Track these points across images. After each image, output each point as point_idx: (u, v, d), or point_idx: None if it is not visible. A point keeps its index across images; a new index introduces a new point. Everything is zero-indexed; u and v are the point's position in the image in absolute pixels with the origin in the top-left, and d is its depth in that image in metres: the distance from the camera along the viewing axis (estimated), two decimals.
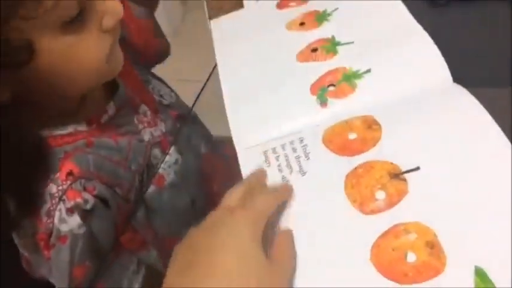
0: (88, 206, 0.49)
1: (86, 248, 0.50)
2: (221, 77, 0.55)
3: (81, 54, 0.46)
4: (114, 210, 0.52)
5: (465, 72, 0.46)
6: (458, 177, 0.39)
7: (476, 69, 0.49)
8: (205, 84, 0.60)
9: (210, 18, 0.65)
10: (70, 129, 0.52)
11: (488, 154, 0.39)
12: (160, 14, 0.67)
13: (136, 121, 0.59)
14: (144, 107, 0.61)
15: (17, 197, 0.48)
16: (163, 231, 0.58)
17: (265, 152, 0.45)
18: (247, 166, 0.45)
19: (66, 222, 0.48)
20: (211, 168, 0.67)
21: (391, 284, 0.35)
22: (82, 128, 0.53)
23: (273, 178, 0.42)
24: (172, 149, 0.60)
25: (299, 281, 0.36)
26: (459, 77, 0.46)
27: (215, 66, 0.57)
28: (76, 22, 0.44)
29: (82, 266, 0.50)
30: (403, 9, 0.53)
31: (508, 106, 0.44)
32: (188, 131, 0.65)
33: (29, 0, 0.40)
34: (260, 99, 0.51)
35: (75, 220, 0.49)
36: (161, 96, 0.66)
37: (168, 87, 0.69)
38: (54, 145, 0.50)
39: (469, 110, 0.42)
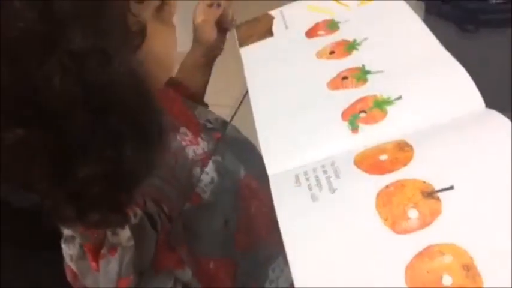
0: (136, 220, 0.49)
1: (132, 261, 0.50)
2: (252, 103, 0.56)
3: (169, 42, 0.48)
4: (158, 228, 0.52)
5: (496, 97, 0.45)
6: (494, 198, 0.37)
7: (507, 95, 0.48)
8: (238, 107, 0.61)
9: (240, 45, 0.67)
10: None
11: None
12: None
13: (179, 138, 0.60)
14: (184, 129, 0.62)
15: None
16: (198, 250, 0.58)
17: (296, 176, 0.45)
18: (278, 189, 0.45)
19: (118, 234, 0.49)
20: (249, 191, 0.67)
21: None
22: None
23: (303, 197, 0.42)
24: (210, 168, 0.60)
25: None
26: (490, 102, 0.45)
27: (246, 92, 0.58)
28: (161, 11, 0.46)
29: (127, 278, 0.51)
30: (431, 36, 0.54)
31: None
32: (229, 153, 0.66)
33: None
34: (291, 126, 0.52)
35: (126, 233, 0.49)
36: (207, 120, 0.67)
37: (215, 114, 0.71)
38: None
39: (502, 131, 0.41)
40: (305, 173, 0.45)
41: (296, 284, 0.36)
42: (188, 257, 0.56)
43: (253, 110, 0.55)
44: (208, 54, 0.75)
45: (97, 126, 0.37)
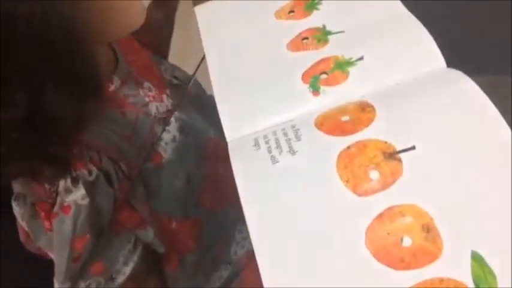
0: (91, 178, 0.47)
1: (88, 220, 0.49)
2: (209, 66, 0.54)
3: None
4: (115, 186, 0.50)
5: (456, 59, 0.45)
6: (455, 159, 0.37)
7: (468, 58, 0.48)
8: (196, 70, 0.58)
9: (194, 4, 0.64)
10: None
11: (486, 135, 0.37)
12: None
13: (142, 93, 0.57)
14: (148, 84, 0.60)
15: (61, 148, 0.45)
16: (160, 209, 0.57)
17: (255, 139, 0.44)
18: (236, 153, 0.43)
19: (71, 191, 0.47)
20: (218, 152, 0.65)
21: (387, 269, 0.33)
22: None
23: (262, 159, 0.40)
24: (172, 126, 0.58)
25: (288, 264, 0.34)
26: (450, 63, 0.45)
27: (203, 57, 0.56)
28: None
29: (83, 237, 0.49)
30: None
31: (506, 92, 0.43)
32: (197, 113, 0.64)
33: None
34: (249, 90, 0.50)
35: (80, 190, 0.47)
36: (174, 77, 0.65)
37: (183, 71, 0.69)
38: None
39: (466, 91, 0.40)
40: (265, 136, 0.43)
41: (255, 246, 0.35)
42: (150, 217, 0.55)
43: (210, 73, 0.53)
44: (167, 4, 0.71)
45: (5, 60, 0.34)
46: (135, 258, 0.54)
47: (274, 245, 0.35)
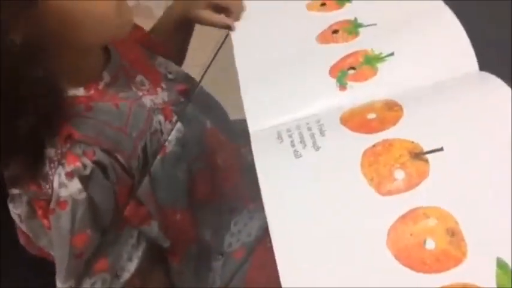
0: (86, 172, 0.47)
1: (87, 215, 0.48)
2: (236, 57, 0.53)
3: None
4: (113, 179, 0.50)
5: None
6: (484, 163, 0.36)
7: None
8: (212, 60, 0.58)
9: None
10: (69, 93, 0.51)
11: None
12: None
13: (134, 88, 0.58)
14: (140, 77, 0.60)
15: (28, 152, 0.46)
16: (164, 201, 0.56)
17: (278, 132, 0.43)
18: (258, 144, 0.43)
19: (66, 186, 0.47)
20: (216, 144, 0.66)
21: (408, 271, 0.33)
22: (80, 93, 0.52)
23: (285, 152, 0.40)
24: (174, 119, 0.58)
25: (307, 261, 0.34)
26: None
27: (223, 41, 0.55)
28: None
29: (83, 234, 0.49)
30: None
31: None
32: (195, 106, 0.64)
33: None
34: (277, 81, 0.49)
35: (75, 185, 0.47)
36: (168, 72, 0.65)
37: (176, 66, 0.68)
38: None
39: (498, 96, 0.39)
40: (288, 130, 0.43)
41: (274, 242, 0.35)
42: (155, 210, 0.55)
43: (236, 63, 0.52)
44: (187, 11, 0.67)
45: None
46: (139, 253, 0.54)
47: (293, 241, 0.35)
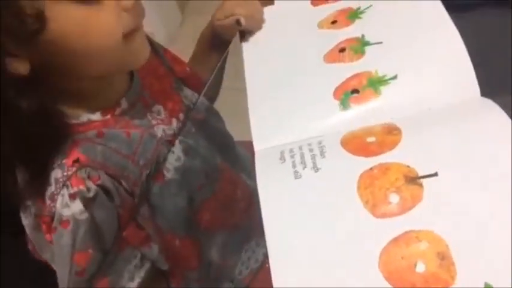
0: (90, 194, 0.49)
1: (88, 235, 0.50)
2: (246, 75, 0.55)
3: (96, 27, 0.46)
4: (117, 202, 0.52)
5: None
6: (477, 190, 0.37)
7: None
8: (212, 77, 0.59)
9: None
10: (84, 118, 0.53)
11: (509, 169, 0.37)
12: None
13: (149, 117, 0.59)
14: (158, 107, 0.61)
15: (31, 172, 0.49)
16: (164, 226, 0.58)
17: (281, 152, 0.45)
18: (261, 163, 0.44)
19: (69, 206, 0.49)
20: (228, 179, 0.68)
21: None
22: (96, 117, 0.53)
23: (286, 173, 0.41)
24: (177, 148, 0.59)
25: (301, 280, 0.36)
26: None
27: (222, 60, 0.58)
28: None
29: (84, 252, 0.50)
30: (440, 7, 0.51)
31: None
32: (203, 138, 0.65)
33: None
34: (282, 101, 0.51)
35: (77, 206, 0.49)
36: (192, 103, 0.66)
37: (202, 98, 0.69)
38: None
39: (497, 124, 0.40)
40: (290, 150, 0.44)
41: (271, 259, 0.36)
42: (155, 234, 0.56)
43: (246, 81, 0.54)
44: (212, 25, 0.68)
45: None
46: (142, 274, 0.54)
47: (289, 259, 0.37)
